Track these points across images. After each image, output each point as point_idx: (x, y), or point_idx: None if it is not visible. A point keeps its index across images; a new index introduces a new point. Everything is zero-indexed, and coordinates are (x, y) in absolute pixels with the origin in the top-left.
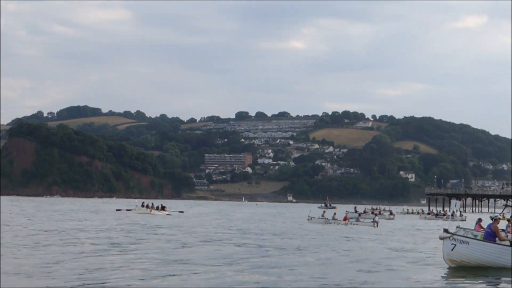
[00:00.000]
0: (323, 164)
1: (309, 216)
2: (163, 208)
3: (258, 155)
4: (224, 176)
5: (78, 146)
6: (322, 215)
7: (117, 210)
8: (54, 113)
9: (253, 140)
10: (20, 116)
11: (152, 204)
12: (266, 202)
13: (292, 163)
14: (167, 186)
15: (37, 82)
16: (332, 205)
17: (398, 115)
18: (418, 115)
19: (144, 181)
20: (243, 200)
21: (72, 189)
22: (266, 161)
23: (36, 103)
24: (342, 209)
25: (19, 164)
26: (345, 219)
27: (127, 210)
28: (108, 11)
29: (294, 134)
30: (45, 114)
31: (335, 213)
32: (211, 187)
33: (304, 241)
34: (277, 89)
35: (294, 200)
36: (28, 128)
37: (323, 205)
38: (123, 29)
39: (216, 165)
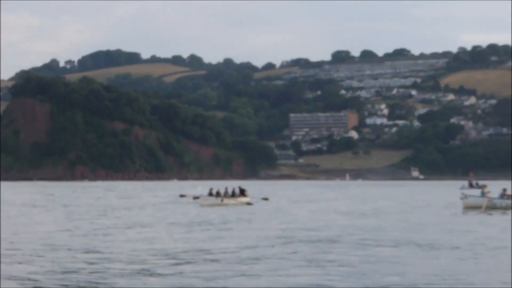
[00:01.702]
0: (462, 122)
1: (462, 193)
2: (242, 192)
3: (366, 113)
4: (319, 145)
5: (109, 108)
6: (482, 193)
7: (181, 196)
8: (74, 61)
9: (358, 92)
10: (26, 67)
11: (226, 189)
12: (379, 180)
13: (416, 123)
14: (237, 161)
15: (48, 18)
16: (479, 183)
17: None
18: None
19: (205, 155)
20: (347, 178)
21: (104, 169)
22: (379, 121)
23: (49, 48)
24: (494, 189)
25: (27, 136)
26: None
27: (195, 198)
28: None
29: (418, 80)
30: (61, 64)
31: (505, 189)
32: (300, 160)
33: None
34: (391, 16)
35: (422, 177)
36: (38, 84)
37: (465, 184)
38: None
39: (307, 129)
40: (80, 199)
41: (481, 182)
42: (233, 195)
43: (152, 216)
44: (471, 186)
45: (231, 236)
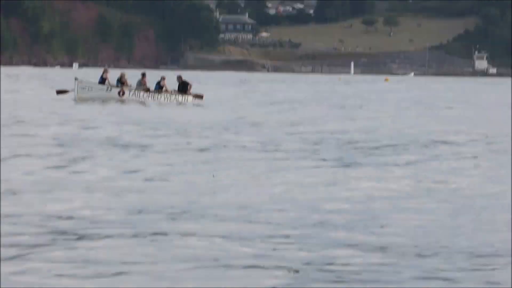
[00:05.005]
0: None
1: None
2: (184, 85)
3: None
4: (300, 5)
5: None
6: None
7: (58, 92)
8: None
9: None
10: None
11: (143, 76)
12: (413, 74)
13: None
14: (142, 32)
15: None
16: None
17: None
18: None
19: (82, 19)
20: (351, 70)
21: None
22: None
23: None
24: None
25: None
26: None
27: (59, 92)
28: None
29: None
30: None
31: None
32: (264, 34)
33: None
34: None
35: (493, 69)
36: None
37: None
38: None
39: None
40: None
41: None
42: (159, 88)
43: None
44: None
45: None
